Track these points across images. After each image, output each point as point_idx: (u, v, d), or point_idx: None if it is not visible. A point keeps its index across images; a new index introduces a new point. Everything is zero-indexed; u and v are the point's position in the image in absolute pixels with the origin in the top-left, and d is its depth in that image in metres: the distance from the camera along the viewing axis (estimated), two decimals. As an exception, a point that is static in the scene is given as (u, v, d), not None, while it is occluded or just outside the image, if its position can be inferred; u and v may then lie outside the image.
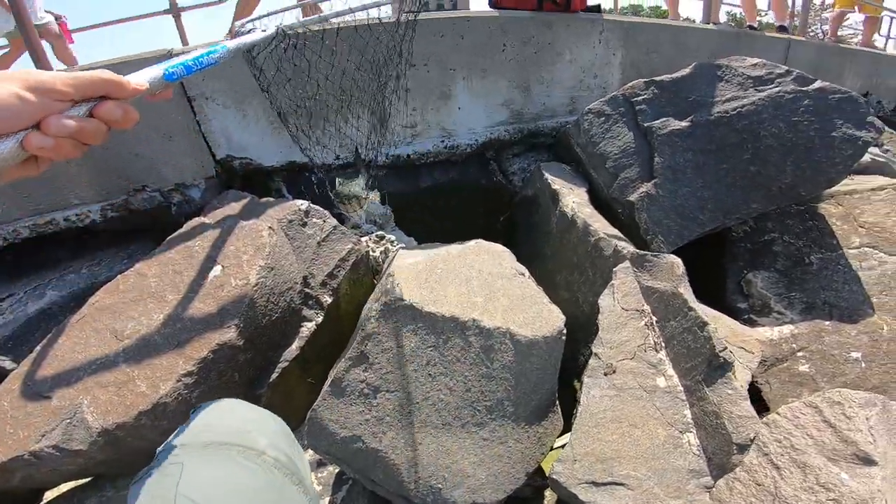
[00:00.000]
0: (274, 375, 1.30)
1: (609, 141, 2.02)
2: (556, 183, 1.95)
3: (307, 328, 1.41)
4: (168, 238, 1.51)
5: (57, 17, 4.05)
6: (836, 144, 1.76)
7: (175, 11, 4.53)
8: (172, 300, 1.30)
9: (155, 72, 0.59)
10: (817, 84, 1.92)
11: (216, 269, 1.36)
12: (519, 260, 1.92)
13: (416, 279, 1.29)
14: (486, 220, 2.38)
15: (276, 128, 1.93)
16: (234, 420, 0.67)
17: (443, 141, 2.27)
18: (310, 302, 1.45)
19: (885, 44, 8.87)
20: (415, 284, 1.27)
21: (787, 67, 2.02)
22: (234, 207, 1.60)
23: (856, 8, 5.77)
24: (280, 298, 1.36)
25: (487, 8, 2.58)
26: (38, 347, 1.28)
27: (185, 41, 4.45)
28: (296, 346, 1.36)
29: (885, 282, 1.59)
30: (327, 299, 1.47)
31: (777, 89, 1.91)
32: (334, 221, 1.57)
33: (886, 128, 3.17)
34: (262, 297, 1.31)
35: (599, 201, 1.99)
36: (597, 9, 2.63)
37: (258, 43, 0.73)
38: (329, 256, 1.51)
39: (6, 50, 5.18)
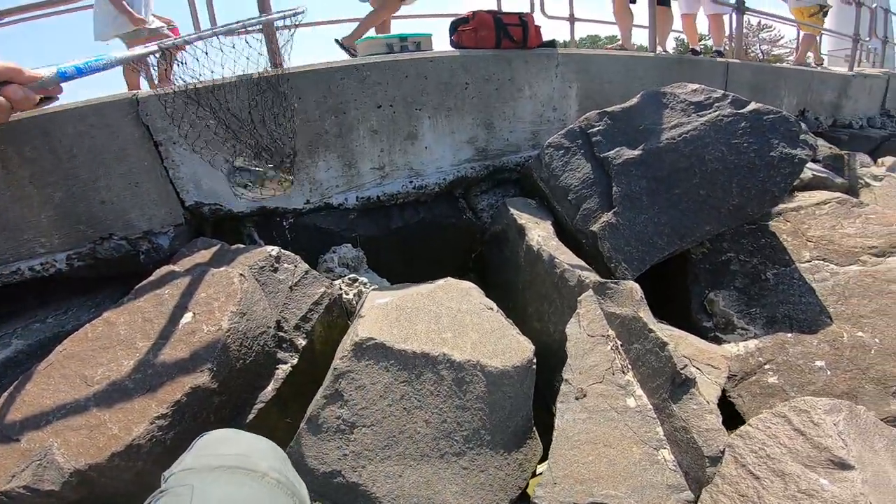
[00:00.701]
0: (251, 416, 1.32)
1: (569, 173, 2.10)
2: (522, 218, 2.01)
3: (283, 370, 1.43)
4: (136, 287, 1.51)
5: (168, 23, 4.02)
6: (776, 163, 1.87)
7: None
8: (143, 347, 1.30)
9: (50, 70, 0.72)
10: (752, 106, 2.03)
11: (187, 316, 1.36)
12: (492, 294, 1.97)
13: (386, 318, 1.34)
14: (458, 257, 2.41)
15: (245, 174, 1.95)
16: (235, 447, 0.72)
17: (411, 181, 2.32)
18: (284, 345, 1.47)
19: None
20: (385, 324, 1.32)
21: (723, 91, 2.14)
22: (203, 255, 1.61)
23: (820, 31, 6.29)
24: (254, 343, 1.38)
25: (449, 48, 2.71)
26: (4, 394, 1.27)
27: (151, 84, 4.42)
28: (272, 387, 1.38)
29: (839, 291, 1.68)
30: (302, 342, 1.49)
31: (716, 113, 2.02)
32: (306, 266, 1.59)
33: (825, 143, 3.38)
34: (235, 342, 1.32)
35: (565, 233, 2.05)
36: (552, 44, 2.78)
37: (138, 58, 0.90)
38: (302, 300, 1.53)
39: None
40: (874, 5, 6.86)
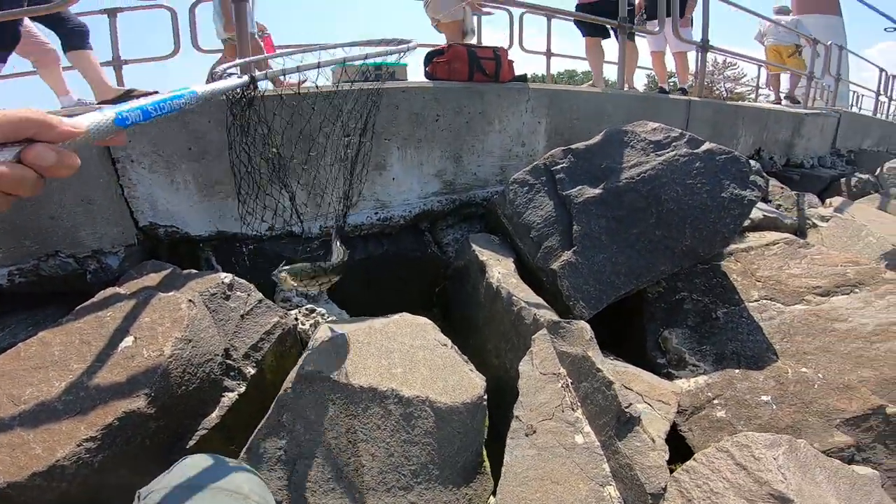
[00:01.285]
0: (191, 442, 1.29)
1: (532, 210, 2.13)
2: (484, 255, 2.02)
3: (229, 398, 1.40)
4: (77, 308, 1.46)
5: (263, 30, 3.91)
6: (726, 205, 1.94)
7: (117, 62, 4.43)
8: (77, 369, 1.26)
9: (104, 115, 0.51)
10: (706, 146, 2.10)
11: (128, 340, 1.33)
12: (453, 329, 1.96)
13: (335, 352, 1.34)
14: (422, 290, 2.39)
15: (206, 195, 1.92)
16: (217, 470, 0.73)
17: (377, 213, 2.31)
18: (232, 373, 1.44)
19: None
20: (334, 358, 1.31)
21: (681, 130, 2.19)
22: (153, 278, 1.57)
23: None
24: (198, 369, 1.34)
25: (423, 78, 2.76)
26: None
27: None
28: (216, 414, 1.35)
29: (784, 330, 1.74)
30: (251, 371, 1.46)
31: (673, 153, 2.07)
32: (259, 295, 1.56)
33: (777, 183, 3.53)
34: (177, 369, 1.29)
35: (527, 270, 2.06)
36: (523, 78, 2.86)
37: (230, 89, 0.64)
38: (253, 329, 1.50)
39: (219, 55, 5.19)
40: (829, 42, 7.10)
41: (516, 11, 5.66)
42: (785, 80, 7.77)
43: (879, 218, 3.22)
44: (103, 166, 1.75)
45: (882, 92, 9.90)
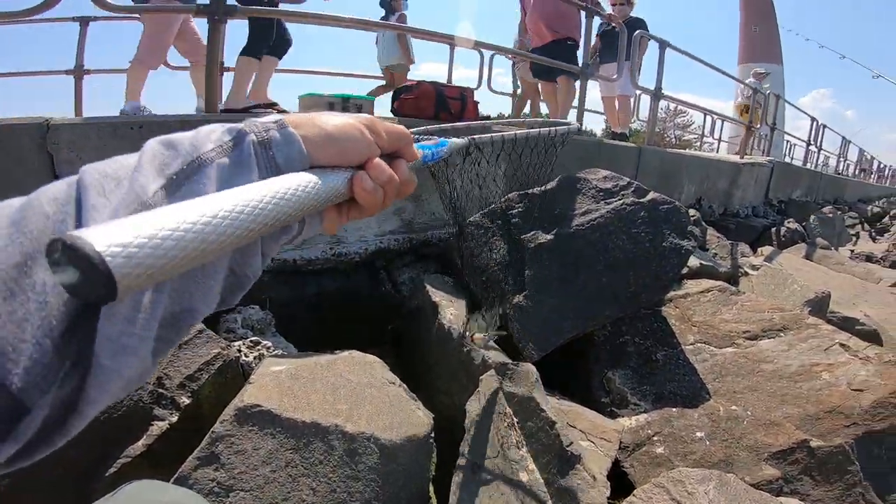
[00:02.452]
0: (112, 469, 1.25)
1: (487, 253, 2.18)
2: (437, 295, 2.05)
3: (158, 427, 1.36)
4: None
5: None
6: (666, 254, 2.06)
7: (78, 73, 4.17)
8: None
9: (420, 151, 0.52)
10: (650, 195, 2.20)
11: None
12: (404, 366, 1.95)
13: (278, 387, 1.32)
14: (375, 328, 2.37)
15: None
16: (166, 495, 0.68)
17: (332, 248, 2.30)
18: (164, 402, 1.40)
19: (718, 147, 10.31)
20: (276, 392, 1.29)
21: (629, 179, 2.27)
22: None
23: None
24: (125, 398, 1.32)
25: (389, 114, 2.84)
26: None
27: (79, 109, 4.08)
28: (142, 443, 1.32)
29: (716, 371, 1.84)
30: (185, 401, 1.42)
31: (620, 202, 2.15)
32: (200, 325, 1.52)
33: (715, 232, 3.77)
34: None
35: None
36: (486, 119, 3.00)
37: (457, 149, 0.68)
38: (190, 360, 1.46)
39: (381, 82, 5.35)
40: (767, 92, 7.32)
41: (486, 52, 5.82)
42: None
43: (805, 266, 3.50)
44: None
45: (812, 142, 10.13)
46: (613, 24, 4.54)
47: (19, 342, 0.27)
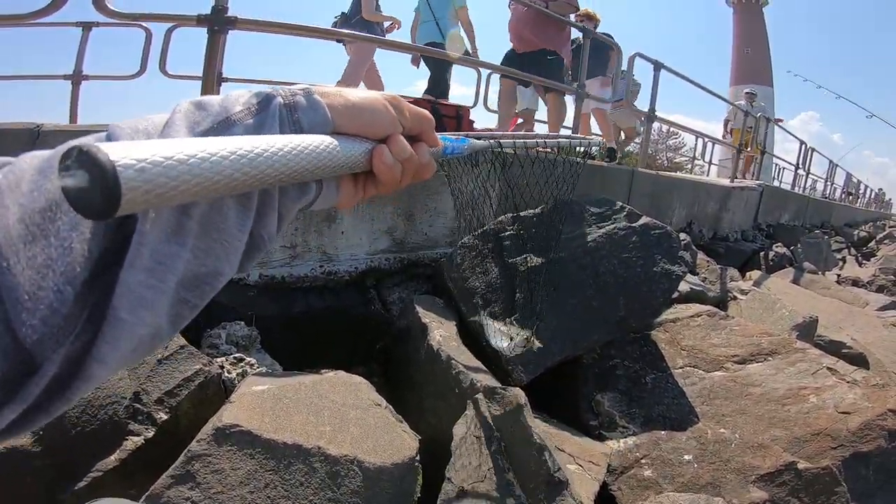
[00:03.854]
0: (83, 483, 1.22)
1: (478, 276, 2.15)
2: (427, 317, 2.02)
3: (133, 442, 1.34)
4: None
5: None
6: (657, 279, 2.07)
7: (76, 78, 4.12)
8: None
9: (441, 143, 0.52)
10: (643, 220, 2.22)
11: None
12: (393, 387, 1.92)
13: (259, 407, 1.30)
14: (362, 347, 2.33)
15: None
16: None
17: (322, 266, 2.26)
18: (140, 417, 1.37)
19: (708, 170, 10.14)
20: (257, 412, 1.27)
21: (621, 203, 2.29)
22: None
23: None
24: (100, 411, 1.29)
25: None
26: None
27: (74, 115, 4.03)
28: (115, 457, 1.29)
29: (704, 394, 1.84)
30: (162, 416, 1.39)
31: (613, 226, 2.18)
32: (182, 341, 1.50)
33: (704, 256, 3.79)
34: (74, 409, 1.24)
35: (469, 333, 2.06)
36: (478, 139, 2.98)
37: (482, 149, 0.66)
38: (170, 375, 1.43)
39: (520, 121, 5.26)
40: (758, 114, 7.30)
41: (484, 71, 5.91)
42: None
43: (793, 291, 3.52)
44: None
45: (801, 165, 10.05)
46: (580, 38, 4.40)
47: (38, 290, 0.26)
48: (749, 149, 7.20)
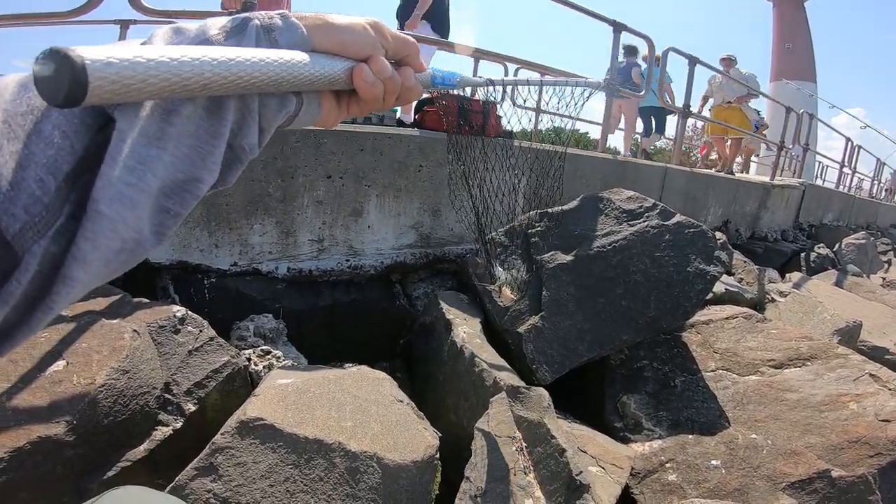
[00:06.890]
0: (111, 473, 1.24)
1: (504, 273, 2.13)
2: (451, 313, 2.00)
3: (161, 432, 1.36)
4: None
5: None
6: (690, 279, 1.99)
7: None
8: None
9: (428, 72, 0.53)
10: (676, 218, 2.13)
11: (59, 364, 1.27)
12: (414, 382, 1.91)
13: (283, 400, 1.30)
14: (386, 342, 2.33)
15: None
16: (147, 502, 0.67)
17: (348, 260, 2.27)
18: (169, 408, 1.40)
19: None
20: (281, 405, 1.28)
21: (654, 201, 2.21)
22: (99, 302, 1.52)
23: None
24: (132, 401, 1.31)
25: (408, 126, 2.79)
26: None
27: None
28: (144, 447, 1.31)
29: (737, 399, 1.78)
30: (191, 407, 1.41)
31: (644, 224, 2.09)
32: (212, 333, 1.53)
33: (741, 256, 3.64)
34: (107, 399, 1.25)
35: (493, 331, 2.03)
36: (509, 135, 2.92)
37: (475, 85, 0.66)
38: (200, 366, 1.46)
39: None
40: (801, 111, 6.81)
41: (511, 65, 5.79)
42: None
43: (835, 294, 3.36)
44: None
45: (846, 163, 9.61)
46: None
47: (20, 179, 0.27)
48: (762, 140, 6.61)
